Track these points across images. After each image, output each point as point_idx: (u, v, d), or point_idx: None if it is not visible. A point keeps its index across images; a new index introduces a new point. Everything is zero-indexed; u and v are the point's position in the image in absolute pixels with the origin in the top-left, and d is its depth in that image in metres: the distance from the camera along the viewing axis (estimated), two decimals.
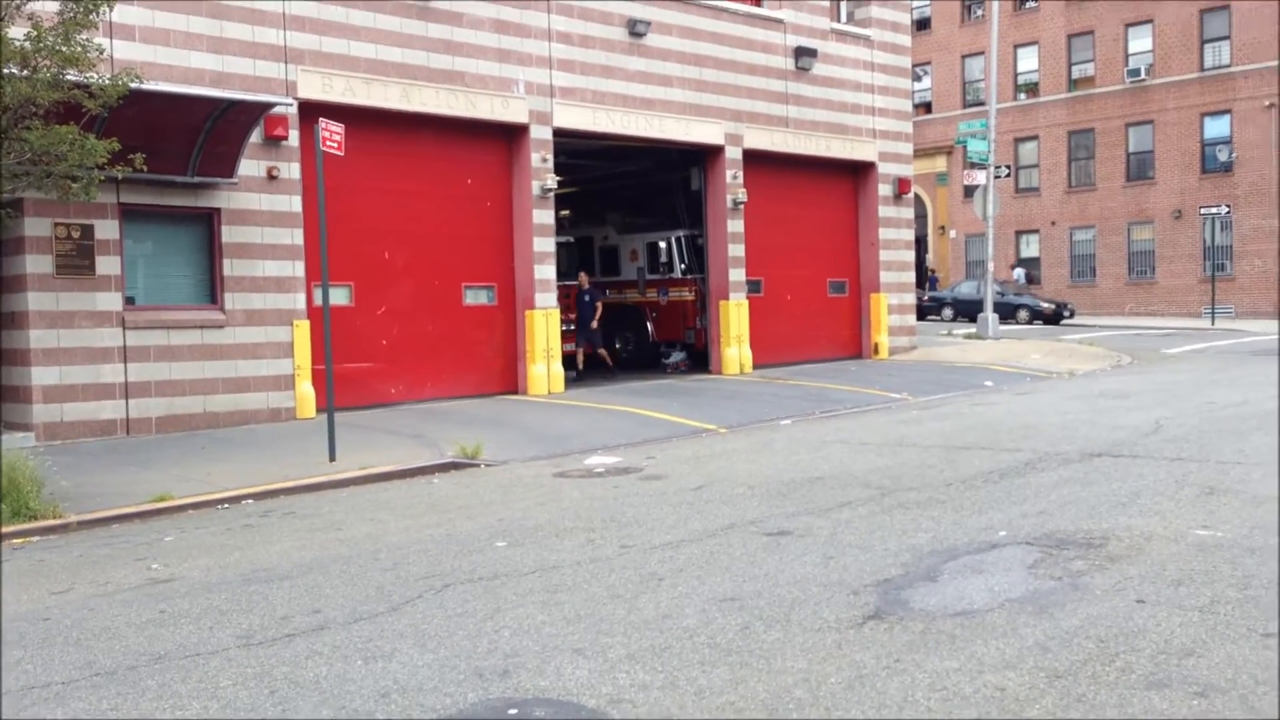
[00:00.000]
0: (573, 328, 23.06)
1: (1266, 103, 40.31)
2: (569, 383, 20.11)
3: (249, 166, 15.57)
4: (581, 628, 6.25)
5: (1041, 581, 6.83)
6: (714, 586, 7.00)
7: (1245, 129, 41.15)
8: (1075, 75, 45.97)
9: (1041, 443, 12.34)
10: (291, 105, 15.28)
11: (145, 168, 11.49)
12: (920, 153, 49.41)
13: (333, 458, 12.58)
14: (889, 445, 12.90)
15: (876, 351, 24.98)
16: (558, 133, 19.34)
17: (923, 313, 42.11)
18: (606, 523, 9.15)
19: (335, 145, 12.76)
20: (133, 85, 11.25)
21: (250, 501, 11.00)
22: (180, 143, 14.42)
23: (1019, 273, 46.54)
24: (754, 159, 22.58)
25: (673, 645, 5.89)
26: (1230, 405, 14.93)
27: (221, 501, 10.92)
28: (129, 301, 14.77)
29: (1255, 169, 40.80)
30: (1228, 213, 39.40)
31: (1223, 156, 41.52)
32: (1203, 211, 39.07)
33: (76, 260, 14.21)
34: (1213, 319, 37.89)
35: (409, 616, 6.62)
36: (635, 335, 24.96)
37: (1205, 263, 41.15)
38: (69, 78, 10.82)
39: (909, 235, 26.21)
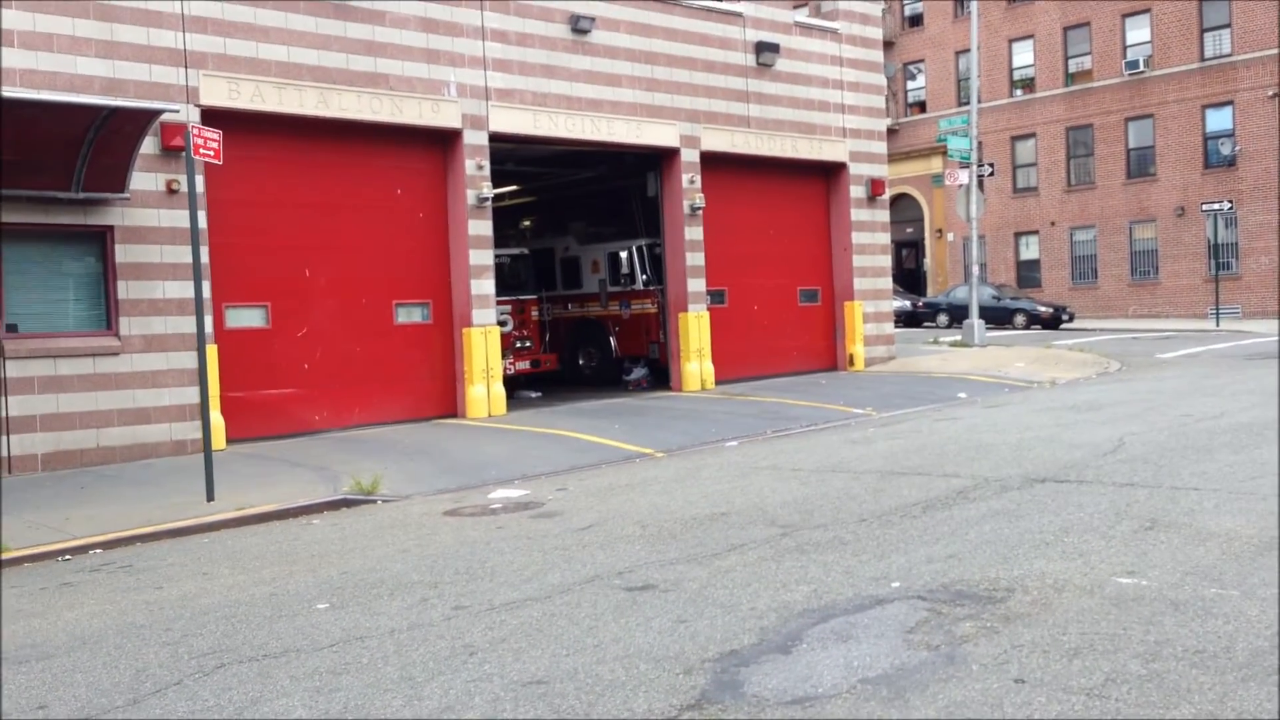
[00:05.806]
0: (528, 344, 22.01)
1: (1270, 93, 38.86)
2: (528, 403, 19.12)
3: (145, 180, 14.51)
4: None
5: (914, 652, 5.67)
6: (529, 664, 5.86)
7: (1249, 120, 39.64)
8: (1072, 69, 44.57)
9: (986, 466, 11.14)
10: (178, 111, 14.17)
11: None
12: (915, 154, 48.34)
13: (210, 497, 11.49)
14: (822, 471, 11.71)
15: (852, 363, 23.72)
16: (495, 137, 18.23)
17: (918, 320, 40.90)
18: (457, 576, 8.01)
19: (212, 153, 11.67)
20: None
21: (99, 551, 9.92)
22: (61, 156, 13.37)
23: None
24: (714, 161, 21.41)
25: None
26: (1207, 418, 13.68)
27: (64, 552, 9.82)
28: (10, 329, 13.71)
29: (1259, 163, 39.27)
30: (1231, 209, 37.78)
31: (1225, 150, 40.00)
32: (1204, 208, 37.45)
33: None
34: (1217, 320, 36.42)
35: (147, 710, 5.51)
36: (599, 350, 23.80)
37: (1210, 261, 39.64)
38: None
39: (885, 239, 24.96)
